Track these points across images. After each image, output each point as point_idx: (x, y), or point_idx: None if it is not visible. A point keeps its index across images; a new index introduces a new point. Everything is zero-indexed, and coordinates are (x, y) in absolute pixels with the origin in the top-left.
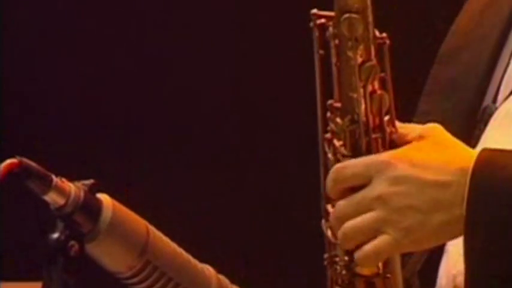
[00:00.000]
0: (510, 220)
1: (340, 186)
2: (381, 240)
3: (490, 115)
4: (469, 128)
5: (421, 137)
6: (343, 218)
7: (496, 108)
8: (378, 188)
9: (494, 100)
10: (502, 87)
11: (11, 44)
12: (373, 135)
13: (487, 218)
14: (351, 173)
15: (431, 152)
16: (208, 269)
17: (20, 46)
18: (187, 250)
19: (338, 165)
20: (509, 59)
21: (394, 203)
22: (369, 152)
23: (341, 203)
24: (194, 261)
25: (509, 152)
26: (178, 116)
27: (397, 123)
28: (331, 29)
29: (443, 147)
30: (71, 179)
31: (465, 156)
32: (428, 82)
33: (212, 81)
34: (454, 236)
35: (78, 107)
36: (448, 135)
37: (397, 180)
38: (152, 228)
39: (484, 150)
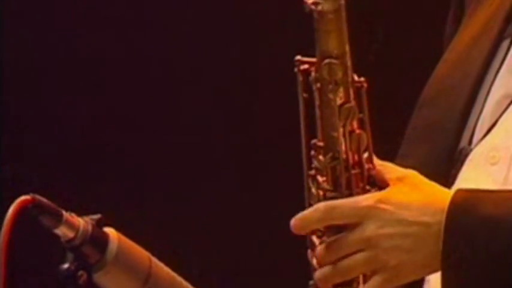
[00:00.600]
0: (483, 257)
1: (327, 224)
2: (374, 280)
3: (466, 156)
4: (447, 168)
5: (399, 180)
6: (333, 256)
7: (471, 150)
8: (367, 230)
9: (470, 142)
10: (476, 130)
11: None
12: (353, 171)
13: (461, 255)
14: (339, 214)
15: (412, 194)
16: None
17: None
18: (186, 279)
19: (328, 204)
20: (483, 105)
21: (382, 245)
22: (349, 187)
23: (331, 242)
24: None
25: (482, 192)
26: (178, 155)
27: (376, 161)
28: (313, 73)
29: (422, 189)
30: (76, 210)
31: (442, 197)
32: (409, 127)
33: (205, 128)
34: (437, 270)
35: (82, 149)
36: (424, 178)
37: (384, 224)
38: (154, 259)
39: (459, 190)
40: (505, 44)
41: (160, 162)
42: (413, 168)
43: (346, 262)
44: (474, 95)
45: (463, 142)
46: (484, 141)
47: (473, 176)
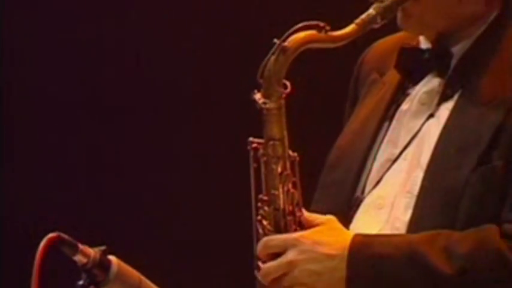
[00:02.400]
0: (375, 282)
1: (267, 252)
2: None
3: (360, 202)
4: (347, 210)
5: (319, 224)
6: (268, 274)
7: (364, 198)
8: (290, 256)
9: (362, 192)
10: (367, 184)
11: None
12: (288, 218)
13: (359, 281)
14: (274, 244)
15: (325, 234)
16: None
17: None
18: None
19: (266, 238)
20: (371, 166)
21: (299, 266)
22: (285, 228)
23: (268, 264)
24: None
25: (373, 236)
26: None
27: (304, 211)
28: (261, 150)
29: (334, 231)
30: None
31: (347, 238)
32: (319, 182)
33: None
34: None
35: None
36: (338, 224)
37: (303, 252)
38: (144, 278)
39: (357, 235)
40: (386, 124)
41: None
42: (325, 211)
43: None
44: (365, 160)
45: (358, 192)
46: (372, 192)
47: (365, 217)
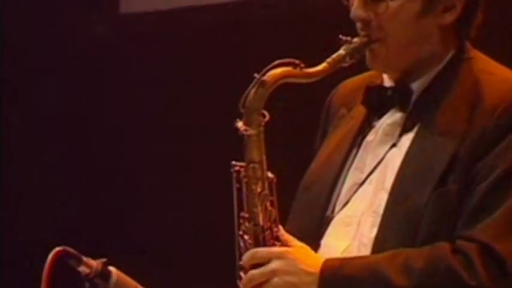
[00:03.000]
0: None
1: (252, 262)
2: None
3: (330, 220)
4: (319, 227)
5: (296, 246)
6: (252, 280)
7: (334, 216)
8: (274, 265)
9: (333, 212)
10: (337, 205)
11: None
12: (266, 233)
13: None
14: (260, 256)
15: (305, 255)
16: None
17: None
18: None
19: (253, 250)
20: (341, 189)
21: (280, 276)
22: (264, 242)
23: (253, 272)
24: None
25: (342, 259)
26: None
27: (280, 227)
28: (243, 172)
29: (311, 254)
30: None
31: (320, 261)
32: (295, 200)
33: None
34: None
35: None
36: (309, 249)
37: (285, 264)
38: (139, 286)
39: (328, 259)
40: (353, 152)
41: None
42: (301, 227)
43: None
44: (335, 183)
45: (328, 212)
46: (341, 212)
47: (334, 233)
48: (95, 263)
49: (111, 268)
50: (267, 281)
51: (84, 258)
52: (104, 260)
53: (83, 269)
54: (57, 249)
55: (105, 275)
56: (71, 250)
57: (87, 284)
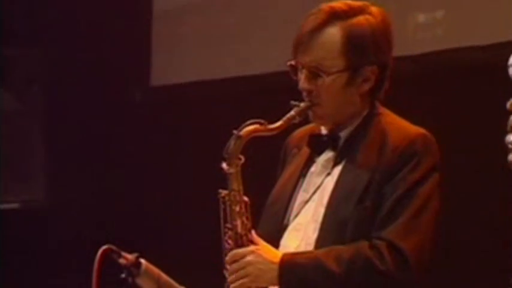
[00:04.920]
0: (295, 281)
1: (233, 259)
2: (243, 281)
3: (286, 227)
4: (279, 232)
5: (264, 245)
6: (234, 270)
7: (289, 224)
8: (248, 258)
9: (288, 221)
10: (291, 216)
11: None
12: (244, 238)
13: (289, 284)
14: (238, 254)
15: (270, 251)
16: None
17: None
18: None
19: (233, 251)
20: (293, 205)
21: (253, 265)
22: (241, 244)
23: (233, 265)
24: None
25: (295, 253)
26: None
27: (253, 233)
28: (226, 197)
29: (273, 250)
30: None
31: (279, 255)
32: (262, 214)
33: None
34: (274, 285)
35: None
36: (272, 248)
37: (256, 257)
38: (162, 273)
39: (285, 254)
40: (301, 180)
41: None
42: (267, 232)
43: (235, 273)
44: (289, 201)
45: (285, 221)
46: (294, 221)
47: (289, 236)
48: (130, 256)
49: (142, 260)
50: (244, 269)
51: (123, 253)
52: (136, 254)
53: (121, 261)
54: (104, 247)
55: (137, 265)
56: (114, 247)
57: (125, 271)
